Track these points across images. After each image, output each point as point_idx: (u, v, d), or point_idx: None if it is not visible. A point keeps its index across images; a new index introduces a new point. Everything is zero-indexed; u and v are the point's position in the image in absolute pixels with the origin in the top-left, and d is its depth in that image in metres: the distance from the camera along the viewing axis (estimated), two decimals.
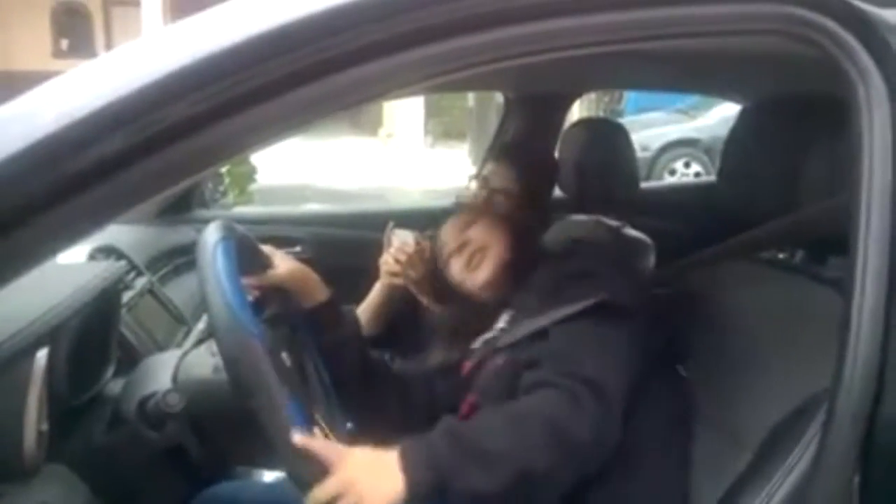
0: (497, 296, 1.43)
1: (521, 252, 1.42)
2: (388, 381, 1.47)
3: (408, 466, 1.01)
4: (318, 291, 1.39)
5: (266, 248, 1.37)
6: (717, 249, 1.25)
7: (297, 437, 0.97)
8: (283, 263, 1.36)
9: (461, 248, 1.45)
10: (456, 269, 1.45)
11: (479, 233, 1.46)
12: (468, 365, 1.39)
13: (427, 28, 0.70)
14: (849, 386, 0.80)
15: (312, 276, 1.39)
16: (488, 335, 1.40)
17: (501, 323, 1.40)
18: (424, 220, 2.31)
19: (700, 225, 1.09)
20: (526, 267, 1.39)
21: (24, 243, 0.64)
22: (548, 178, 2.09)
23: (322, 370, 1.40)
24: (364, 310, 1.99)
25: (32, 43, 15.40)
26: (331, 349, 1.39)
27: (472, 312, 1.45)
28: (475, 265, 1.44)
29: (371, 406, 1.44)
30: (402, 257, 1.79)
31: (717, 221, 1.14)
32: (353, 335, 1.43)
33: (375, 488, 1.00)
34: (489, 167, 1.99)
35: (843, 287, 0.83)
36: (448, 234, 1.49)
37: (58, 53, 15.77)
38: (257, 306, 1.23)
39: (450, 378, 1.43)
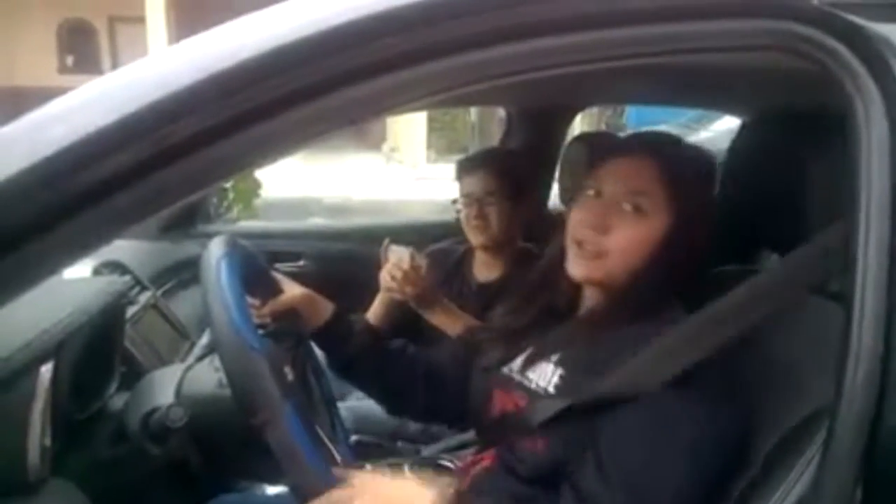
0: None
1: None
2: (416, 370, 1.41)
3: None
4: (325, 310, 1.38)
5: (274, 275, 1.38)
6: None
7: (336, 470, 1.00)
8: (290, 289, 1.36)
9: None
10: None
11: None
12: (493, 395, 1.23)
13: (434, 45, 0.71)
14: (850, 400, 0.80)
15: (317, 297, 1.38)
16: (509, 368, 1.23)
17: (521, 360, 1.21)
18: (427, 234, 2.33)
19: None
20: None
21: (33, 259, 0.65)
22: (524, 170, 2.07)
23: (324, 383, 1.41)
24: None
25: (38, 59, 15.48)
26: (352, 360, 1.38)
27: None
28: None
29: (402, 398, 1.42)
30: (398, 274, 1.80)
31: (718, 234, 1.15)
32: (369, 341, 1.40)
33: None
34: (466, 183, 1.98)
35: (844, 301, 0.83)
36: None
37: (63, 69, 15.85)
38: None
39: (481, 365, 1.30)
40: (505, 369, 1.23)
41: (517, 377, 1.18)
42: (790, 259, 0.99)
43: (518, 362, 1.21)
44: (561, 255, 1.17)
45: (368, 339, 1.39)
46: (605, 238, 1.11)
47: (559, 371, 1.12)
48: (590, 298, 1.19)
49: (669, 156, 1.14)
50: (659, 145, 1.18)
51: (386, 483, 1.06)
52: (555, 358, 1.14)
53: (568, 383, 1.09)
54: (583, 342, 1.13)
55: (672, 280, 1.11)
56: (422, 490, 1.03)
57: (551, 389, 1.11)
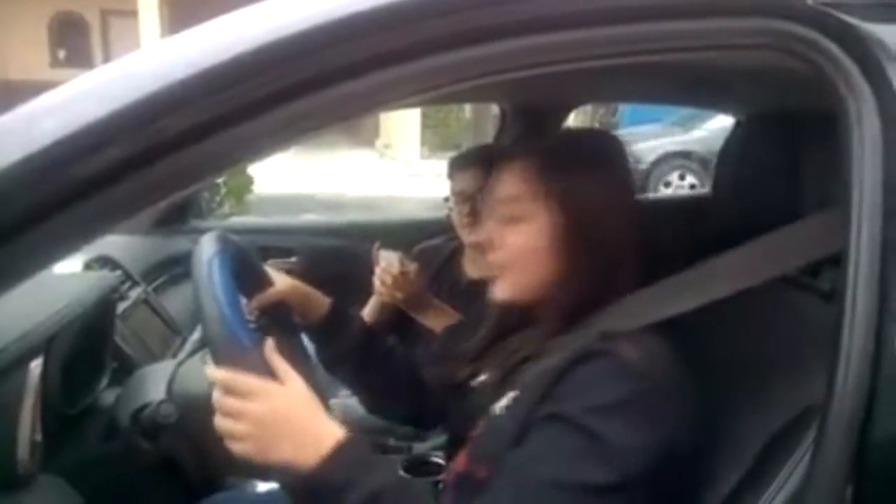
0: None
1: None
2: (401, 373, 1.37)
3: (337, 460, 0.89)
4: (321, 304, 1.34)
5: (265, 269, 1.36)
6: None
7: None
8: (281, 281, 1.32)
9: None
10: None
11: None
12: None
13: (427, 41, 0.71)
14: (841, 398, 0.81)
15: (311, 291, 1.34)
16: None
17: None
18: (420, 231, 2.33)
19: (695, 237, 1.09)
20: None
21: (25, 252, 0.65)
22: None
23: (315, 378, 1.41)
24: None
25: (30, 53, 15.43)
26: (344, 356, 1.34)
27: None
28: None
29: (383, 398, 1.39)
30: (388, 279, 1.80)
31: (712, 233, 1.15)
32: (364, 338, 1.35)
33: (281, 441, 0.91)
34: (458, 180, 1.97)
35: (836, 299, 0.83)
36: None
37: (55, 63, 15.80)
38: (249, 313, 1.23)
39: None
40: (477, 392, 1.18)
41: (483, 401, 1.13)
42: (780, 233, 0.98)
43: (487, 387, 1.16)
44: None
45: (363, 336, 1.36)
46: (500, 252, 1.07)
47: (511, 393, 1.05)
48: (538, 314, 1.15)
49: (535, 154, 1.09)
50: (532, 148, 1.12)
51: (306, 405, 0.96)
52: (509, 378, 1.09)
53: (518, 404, 1.02)
54: (532, 359, 1.07)
55: (600, 276, 1.04)
56: (335, 431, 0.93)
57: (499, 412, 1.05)
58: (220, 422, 0.94)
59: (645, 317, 1.00)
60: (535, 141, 1.16)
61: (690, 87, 1.54)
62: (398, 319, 1.94)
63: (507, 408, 1.04)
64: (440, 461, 1.44)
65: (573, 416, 0.92)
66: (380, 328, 1.93)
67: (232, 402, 0.93)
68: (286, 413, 0.93)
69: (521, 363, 1.08)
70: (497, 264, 1.08)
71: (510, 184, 1.07)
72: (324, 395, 1.42)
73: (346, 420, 1.86)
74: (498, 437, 1.01)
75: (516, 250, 1.06)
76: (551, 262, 1.04)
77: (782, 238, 0.98)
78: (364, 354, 1.35)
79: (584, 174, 1.06)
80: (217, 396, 0.94)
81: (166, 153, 0.65)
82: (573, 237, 1.04)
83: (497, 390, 1.09)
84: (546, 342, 1.07)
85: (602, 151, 1.12)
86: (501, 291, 1.09)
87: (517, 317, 1.18)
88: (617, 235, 1.05)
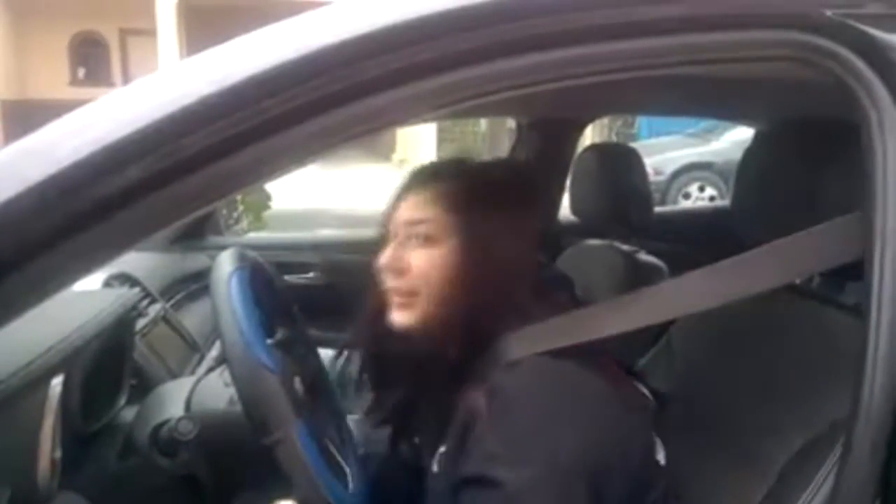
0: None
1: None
2: None
3: None
4: None
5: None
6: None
7: None
8: None
9: None
10: None
11: None
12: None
13: (444, 57, 0.71)
14: (867, 413, 0.79)
15: None
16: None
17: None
18: None
19: (715, 249, 1.08)
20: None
21: (48, 270, 0.65)
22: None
23: (333, 396, 1.40)
24: None
25: (50, 71, 15.62)
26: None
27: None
28: None
29: None
30: None
31: (731, 246, 1.14)
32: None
33: None
34: None
35: (860, 313, 0.82)
36: None
37: (74, 82, 15.98)
38: (267, 330, 1.24)
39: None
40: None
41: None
42: (799, 236, 0.96)
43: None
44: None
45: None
46: (407, 278, 1.05)
47: (441, 447, 1.03)
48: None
49: (444, 178, 1.09)
50: (432, 173, 1.13)
51: None
52: (440, 431, 1.05)
53: (447, 459, 1.00)
54: (452, 404, 1.01)
55: (500, 307, 1.02)
56: None
57: (436, 469, 1.03)
58: None
59: (561, 340, 0.96)
60: (434, 170, 1.14)
61: (710, 99, 1.53)
62: None
63: (439, 463, 1.02)
64: None
65: (471, 473, 0.91)
66: None
67: None
68: None
69: (445, 412, 1.04)
70: (403, 289, 1.05)
71: (420, 208, 1.06)
72: (340, 414, 1.43)
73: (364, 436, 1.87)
74: (438, 498, 1.00)
75: (429, 268, 1.03)
76: (455, 284, 1.02)
77: (800, 242, 0.96)
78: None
79: (489, 200, 1.05)
80: None
81: (189, 171, 0.66)
82: (477, 261, 1.02)
83: (432, 447, 1.07)
84: (454, 379, 1.02)
85: (510, 189, 1.11)
86: (405, 316, 1.06)
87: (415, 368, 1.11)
88: (514, 267, 1.04)
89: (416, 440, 1.17)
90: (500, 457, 0.89)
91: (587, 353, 0.96)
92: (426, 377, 1.09)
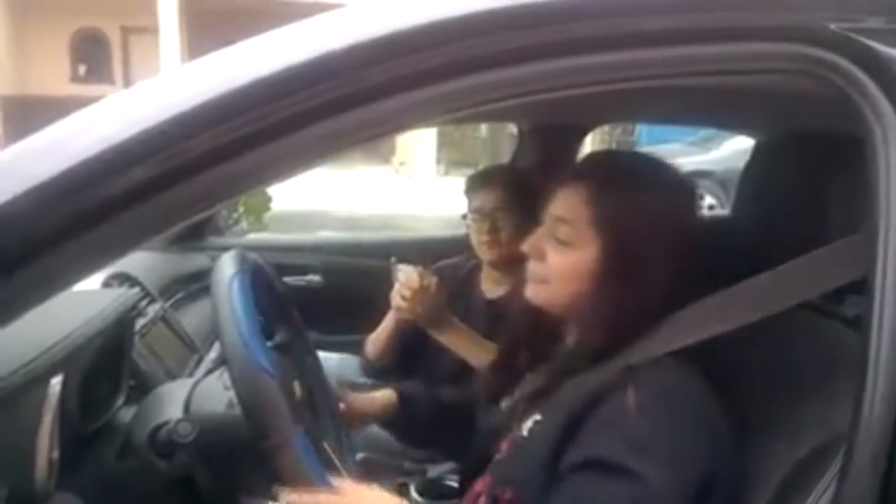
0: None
1: None
2: (428, 412, 1.56)
3: None
4: (389, 400, 1.53)
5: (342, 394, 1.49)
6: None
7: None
8: (360, 402, 1.52)
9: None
10: None
11: None
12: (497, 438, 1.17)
13: (451, 64, 0.71)
14: (868, 425, 0.79)
15: (381, 394, 1.54)
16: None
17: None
18: (436, 249, 2.32)
19: (714, 258, 1.08)
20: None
21: (53, 269, 0.66)
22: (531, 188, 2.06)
23: (331, 399, 1.40)
24: (376, 338, 2.00)
25: (50, 68, 15.60)
26: (421, 427, 1.54)
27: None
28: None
29: (446, 441, 1.56)
30: (408, 293, 1.79)
31: (731, 255, 1.14)
32: (433, 405, 1.56)
33: None
34: (476, 198, 1.97)
35: (862, 326, 0.82)
36: None
37: (75, 79, 15.96)
38: (267, 332, 1.24)
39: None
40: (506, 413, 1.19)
41: (512, 422, 1.15)
42: (806, 258, 0.97)
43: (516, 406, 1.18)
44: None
45: (432, 406, 1.56)
46: (543, 265, 1.09)
47: (535, 416, 1.07)
48: (569, 336, 1.15)
49: (601, 182, 1.07)
50: (594, 170, 1.13)
51: (367, 493, 1.04)
52: (535, 401, 1.10)
53: (543, 430, 1.03)
54: (562, 379, 1.07)
55: (637, 304, 1.03)
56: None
57: (525, 433, 1.06)
58: None
59: (672, 343, 0.99)
60: (597, 163, 1.18)
61: (711, 109, 1.54)
62: (414, 337, 1.93)
63: (531, 430, 1.05)
64: (454, 484, 1.43)
65: (609, 457, 0.92)
66: (395, 346, 1.94)
67: None
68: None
69: (551, 386, 1.08)
70: (537, 274, 1.10)
71: (566, 207, 1.07)
72: (340, 419, 1.43)
73: (362, 440, 1.87)
74: (523, 461, 1.01)
75: (560, 267, 1.07)
76: (590, 285, 1.05)
77: (809, 263, 0.97)
78: (434, 422, 1.53)
79: (641, 218, 1.04)
80: None
81: (195, 172, 0.66)
82: (618, 265, 1.03)
83: (524, 412, 1.10)
84: (574, 364, 1.07)
85: (655, 176, 1.11)
86: (534, 295, 1.11)
87: (535, 328, 1.20)
88: (661, 265, 1.04)
89: (504, 403, 1.21)
90: (647, 451, 0.92)
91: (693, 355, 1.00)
92: (556, 356, 1.14)
